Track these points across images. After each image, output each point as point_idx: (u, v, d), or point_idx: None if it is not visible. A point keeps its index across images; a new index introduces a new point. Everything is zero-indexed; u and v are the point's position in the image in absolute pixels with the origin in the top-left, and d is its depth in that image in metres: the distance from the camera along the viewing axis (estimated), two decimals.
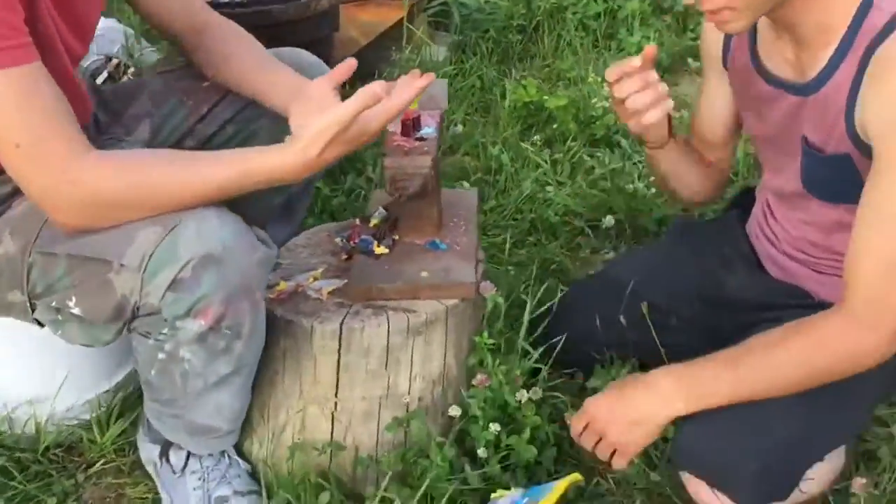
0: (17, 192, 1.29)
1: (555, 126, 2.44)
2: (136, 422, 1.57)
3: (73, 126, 1.14)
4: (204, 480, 1.43)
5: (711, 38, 1.46)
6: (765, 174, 1.49)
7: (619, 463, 1.32)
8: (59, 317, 1.23)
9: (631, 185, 2.12)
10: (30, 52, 1.12)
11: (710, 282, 1.53)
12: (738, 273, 1.53)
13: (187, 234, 1.14)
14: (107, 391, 1.62)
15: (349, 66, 1.37)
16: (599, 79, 2.64)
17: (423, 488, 1.34)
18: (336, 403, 1.40)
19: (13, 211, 1.27)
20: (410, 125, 1.40)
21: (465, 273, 1.40)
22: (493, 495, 1.36)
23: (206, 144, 1.56)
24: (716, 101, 1.50)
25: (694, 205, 1.81)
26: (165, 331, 1.20)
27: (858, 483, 1.31)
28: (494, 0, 2.93)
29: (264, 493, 1.42)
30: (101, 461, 1.54)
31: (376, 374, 1.38)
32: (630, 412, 1.28)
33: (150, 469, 1.50)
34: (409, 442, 1.43)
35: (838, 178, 1.27)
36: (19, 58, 1.10)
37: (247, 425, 1.47)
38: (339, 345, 1.35)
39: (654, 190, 2.14)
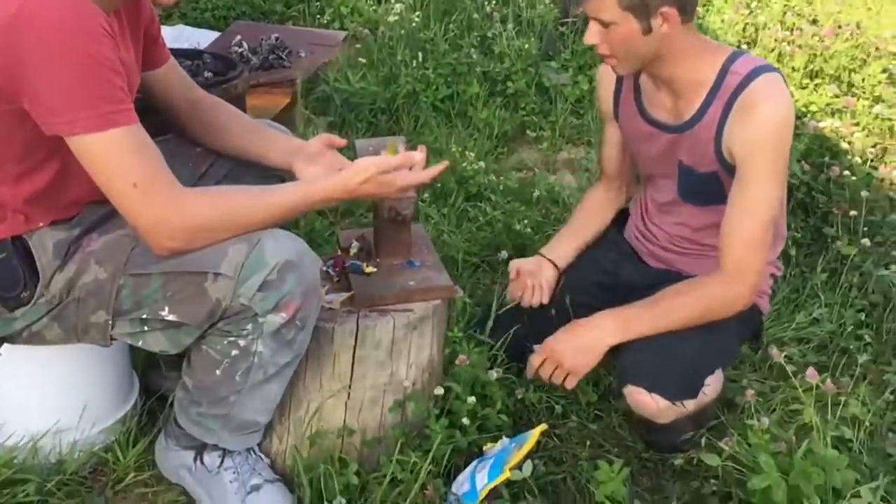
0: (86, 233, 1.53)
1: (438, 185, 2.90)
2: (153, 442, 1.78)
3: (168, 169, 1.43)
4: (238, 474, 1.68)
5: (604, 99, 2.00)
6: (646, 189, 2.02)
7: (570, 383, 1.79)
8: (145, 328, 1.48)
9: (517, 226, 2.60)
10: (135, 111, 1.40)
11: (607, 277, 2.03)
12: (626, 267, 2.04)
13: (270, 246, 1.46)
14: (120, 419, 1.81)
15: (341, 140, 1.78)
16: (461, 148, 3.15)
17: (432, 451, 1.68)
18: (349, 393, 1.72)
19: (92, 246, 1.51)
20: None
21: (443, 280, 1.79)
22: (485, 447, 1.73)
23: None
24: (612, 139, 2.04)
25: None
26: (249, 326, 1.48)
27: (749, 393, 1.85)
28: (363, 86, 3.38)
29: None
30: (129, 477, 1.73)
31: (383, 365, 1.72)
32: (580, 342, 1.77)
33: (178, 476, 1.71)
34: (405, 420, 1.77)
35: (707, 188, 1.83)
36: (133, 117, 1.39)
37: (266, 426, 1.73)
38: (356, 341, 1.68)
39: (530, 229, 2.64)
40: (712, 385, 1.84)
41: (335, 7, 4.26)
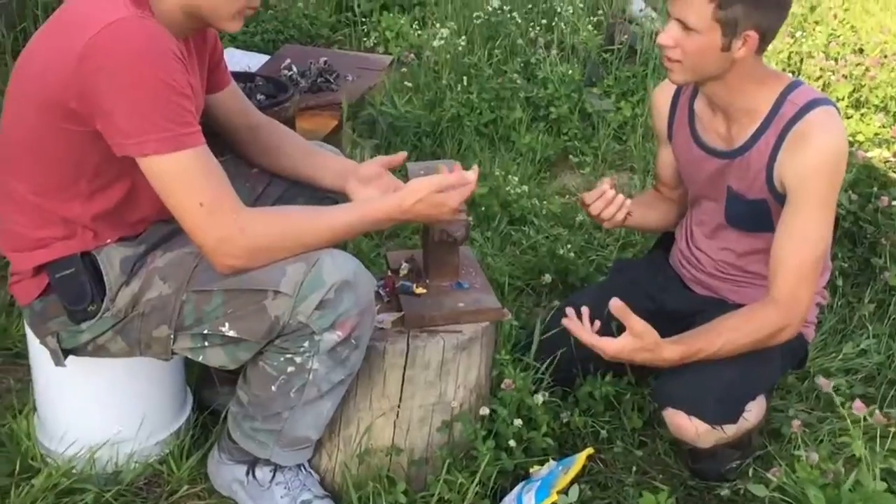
0: (151, 250, 1.58)
1: (481, 209, 2.93)
2: (205, 456, 1.82)
3: (233, 189, 1.48)
4: (289, 489, 1.71)
5: (658, 121, 2.03)
6: (692, 213, 2.04)
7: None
8: (206, 343, 1.52)
9: (561, 250, 2.62)
10: (201, 133, 1.46)
11: (651, 302, 2.03)
12: (671, 293, 2.05)
13: (328, 265, 1.50)
14: (174, 432, 1.86)
15: (401, 156, 1.80)
16: (504, 172, 3.18)
17: (479, 472, 1.70)
18: (398, 412, 1.74)
19: (157, 262, 1.56)
20: None
21: (492, 302, 1.82)
22: (531, 469, 1.75)
23: None
24: (666, 160, 2.07)
25: (661, 230, 2.26)
26: (305, 344, 1.51)
27: (796, 423, 1.84)
28: (409, 110, 3.44)
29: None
30: (182, 489, 1.77)
31: (432, 385, 1.74)
32: (643, 357, 1.71)
33: (230, 489, 1.75)
34: (452, 440, 1.79)
35: (755, 215, 1.84)
36: (201, 139, 1.44)
37: (316, 443, 1.76)
38: (406, 361, 1.71)
39: (573, 254, 2.66)
40: (754, 411, 1.83)
41: (380, 31, 4.33)
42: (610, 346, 1.71)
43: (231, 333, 1.51)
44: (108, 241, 1.55)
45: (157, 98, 1.39)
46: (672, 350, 1.72)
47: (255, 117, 1.90)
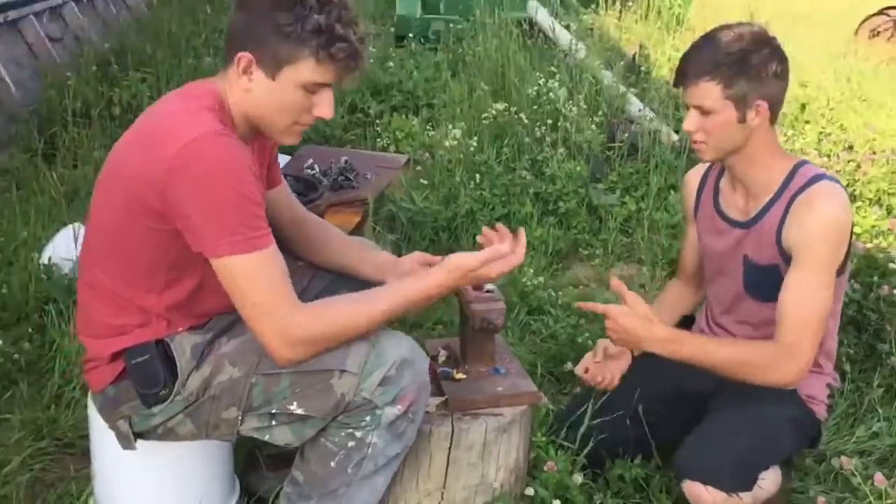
0: (217, 336, 1.70)
1: None
2: None
3: (291, 285, 1.60)
4: None
5: (687, 198, 2.22)
6: (711, 289, 2.18)
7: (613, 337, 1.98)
8: (273, 422, 1.62)
9: (580, 338, 2.74)
10: (271, 234, 1.59)
11: (673, 387, 2.15)
12: (691, 374, 2.16)
13: (388, 345, 1.63)
14: None
15: (434, 257, 1.95)
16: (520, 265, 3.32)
17: None
18: (443, 493, 1.83)
19: (223, 348, 1.67)
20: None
21: (528, 386, 1.93)
22: None
23: None
24: (692, 242, 2.24)
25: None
26: (367, 418, 1.62)
27: (820, 500, 1.93)
28: (426, 206, 3.61)
29: None
30: None
31: (475, 466, 1.84)
32: (635, 334, 1.93)
33: None
34: None
35: (769, 281, 1.98)
36: (269, 240, 1.58)
37: None
38: (451, 443, 1.80)
39: (591, 342, 2.77)
40: (769, 480, 1.92)
41: (391, 132, 4.55)
42: (611, 308, 1.95)
43: (299, 412, 1.62)
44: (180, 329, 1.67)
45: (234, 208, 1.53)
46: (661, 329, 1.92)
47: (300, 212, 2.05)
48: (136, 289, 1.65)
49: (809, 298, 1.87)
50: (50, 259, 2.82)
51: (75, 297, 2.60)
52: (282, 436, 1.65)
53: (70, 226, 2.92)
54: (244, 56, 1.62)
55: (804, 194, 1.92)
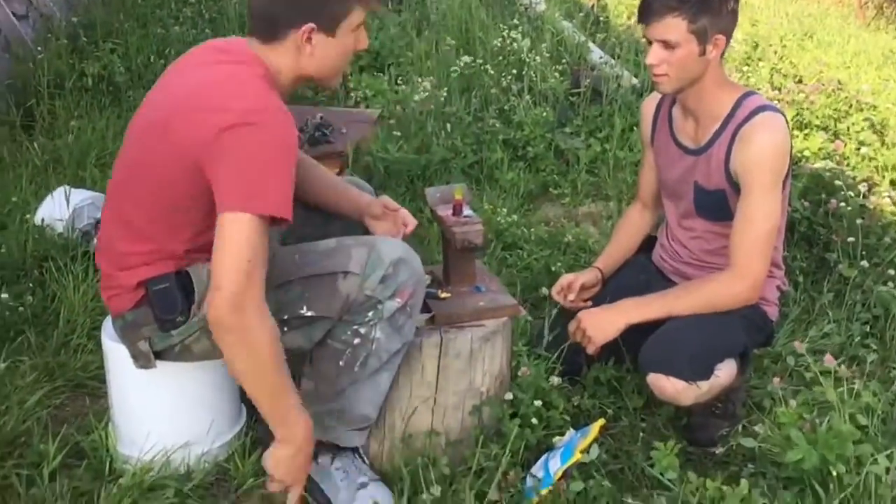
0: None
1: None
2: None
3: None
4: (347, 473, 1.95)
5: (644, 127, 2.39)
6: (668, 209, 2.37)
7: (590, 349, 2.16)
8: (285, 328, 1.78)
9: (553, 267, 2.92)
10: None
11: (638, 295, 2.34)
12: (654, 286, 2.36)
13: (385, 247, 1.81)
14: (236, 433, 2.09)
15: (395, 206, 2.15)
16: (493, 206, 3.49)
17: (508, 445, 1.96)
18: (435, 399, 2.01)
19: None
20: (459, 209, 2.13)
21: (509, 300, 2.11)
22: (554, 440, 2.01)
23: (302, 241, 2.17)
24: (649, 166, 2.42)
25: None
26: (370, 314, 1.80)
27: (776, 380, 2.15)
28: (400, 156, 3.76)
29: None
30: (248, 482, 2.00)
31: (463, 373, 2.01)
32: (604, 317, 2.14)
33: None
34: (482, 422, 2.05)
35: (716, 204, 2.18)
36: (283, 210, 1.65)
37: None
38: (440, 351, 1.98)
39: (565, 270, 2.95)
40: (724, 370, 2.13)
41: (361, 90, 4.67)
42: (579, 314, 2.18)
43: (310, 314, 1.79)
44: (199, 261, 1.80)
45: (269, 174, 1.63)
46: (622, 303, 2.15)
47: None
48: (167, 235, 1.78)
49: (756, 221, 2.07)
50: (43, 220, 2.94)
51: (73, 254, 2.78)
52: (293, 340, 1.81)
53: (60, 188, 3.03)
54: (305, 28, 1.75)
55: (748, 125, 2.10)
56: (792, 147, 2.18)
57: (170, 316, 1.79)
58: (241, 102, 1.66)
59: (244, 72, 1.74)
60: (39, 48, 4.59)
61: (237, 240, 1.62)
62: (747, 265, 2.09)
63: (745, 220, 2.09)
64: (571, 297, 2.39)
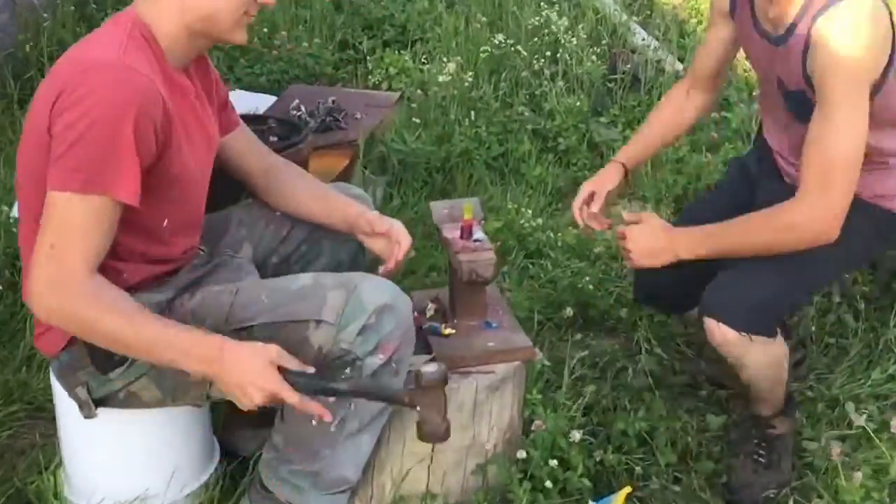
0: (181, 293, 1.56)
1: (497, 244, 2.91)
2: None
3: (101, 254, 1.44)
4: None
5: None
6: (763, 101, 2.07)
7: (629, 264, 1.92)
8: None
9: (580, 284, 2.61)
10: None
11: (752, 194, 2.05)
12: (765, 183, 2.06)
13: (367, 290, 1.50)
14: (203, 483, 1.82)
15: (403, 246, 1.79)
16: (516, 205, 3.18)
17: None
18: (432, 456, 1.72)
19: (187, 305, 1.54)
20: (468, 232, 1.82)
21: (522, 340, 1.80)
22: None
23: (286, 261, 1.88)
24: (718, 38, 2.08)
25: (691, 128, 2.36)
26: (347, 371, 1.50)
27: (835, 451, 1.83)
28: (418, 146, 3.44)
29: None
30: None
31: (465, 427, 1.72)
32: (654, 245, 1.87)
33: None
34: (487, 484, 1.76)
35: (801, 105, 1.83)
36: (114, 192, 1.41)
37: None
38: None
39: (592, 286, 2.64)
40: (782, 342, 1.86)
41: (384, 68, 4.35)
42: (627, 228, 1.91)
43: None
44: (136, 280, 1.53)
45: (92, 141, 1.40)
46: (684, 230, 1.87)
47: (268, 160, 1.89)
48: None
49: (831, 140, 1.72)
50: None
51: None
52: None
53: None
54: None
55: (818, 23, 1.73)
56: None
57: (104, 355, 1.50)
58: (78, 63, 1.45)
59: (102, 33, 1.51)
60: (46, 14, 4.35)
61: (56, 223, 1.41)
62: (823, 194, 1.72)
63: (819, 138, 1.73)
64: (595, 207, 2.11)
